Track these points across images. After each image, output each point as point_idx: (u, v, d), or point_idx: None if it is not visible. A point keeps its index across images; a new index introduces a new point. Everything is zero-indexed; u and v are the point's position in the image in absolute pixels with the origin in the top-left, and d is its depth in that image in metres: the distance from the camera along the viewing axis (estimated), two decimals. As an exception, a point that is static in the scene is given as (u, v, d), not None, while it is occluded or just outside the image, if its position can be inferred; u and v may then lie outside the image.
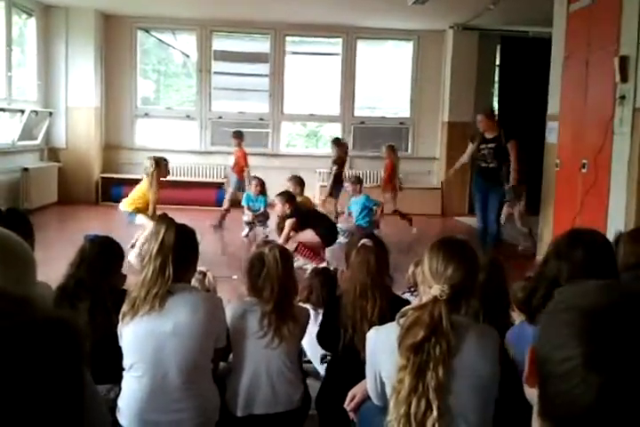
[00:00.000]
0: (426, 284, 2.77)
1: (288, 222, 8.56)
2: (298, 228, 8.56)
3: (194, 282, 4.57)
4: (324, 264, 7.83)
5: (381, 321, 3.47)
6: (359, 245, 3.73)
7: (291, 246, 8.14)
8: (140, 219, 8.36)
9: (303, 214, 8.73)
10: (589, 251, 2.86)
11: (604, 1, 7.76)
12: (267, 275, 3.79)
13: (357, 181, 10.82)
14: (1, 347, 0.95)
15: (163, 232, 3.57)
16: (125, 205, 8.49)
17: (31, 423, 0.95)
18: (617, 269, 2.90)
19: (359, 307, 3.64)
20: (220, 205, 13.52)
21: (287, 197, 8.80)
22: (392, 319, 2.95)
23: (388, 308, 3.57)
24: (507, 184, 9.33)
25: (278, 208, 8.78)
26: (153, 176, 8.48)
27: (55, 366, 0.99)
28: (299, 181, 9.89)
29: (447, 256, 2.74)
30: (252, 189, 10.92)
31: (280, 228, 8.73)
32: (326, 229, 8.58)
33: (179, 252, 3.55)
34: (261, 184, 10.90)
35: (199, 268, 4.78)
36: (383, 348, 2.81)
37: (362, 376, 3.25)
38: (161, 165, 8.59)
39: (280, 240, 8.25)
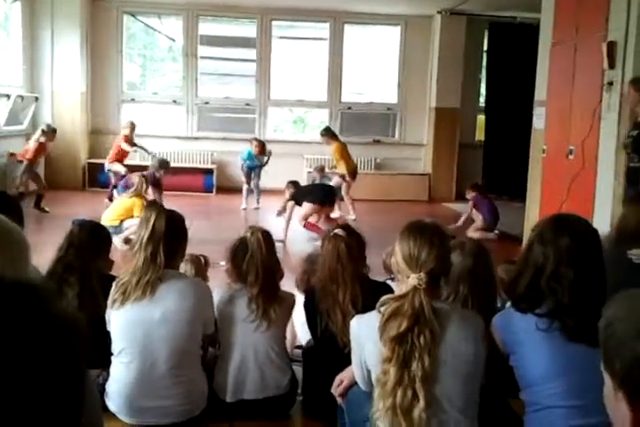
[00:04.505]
0: (403, 273, 2.71)
1: (289, 205, 9.56)
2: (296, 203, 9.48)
3: (185, 267, 4.55)
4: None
5: (354, 307, 3.52)
6: (331, 234, 3.75)
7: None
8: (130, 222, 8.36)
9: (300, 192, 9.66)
10: (576, 238, 2.82)
11: (592, -13, 7.75)
12: (250, 259, 3.79)
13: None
14: (6, 340, 0.94)
15: (153, 219, 3.55)
16: (108, 220, 8.25)
17: (33, 414, 0.95)
18: (602, 257, 2.87)
19: (330, 293, 3.65)
20: (208, 191, 13.56)
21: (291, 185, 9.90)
22: (368, 305, 2.95)
23: (362, 294, 3.59)
24: None
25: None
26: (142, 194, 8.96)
27: (59, 362, 0.98)
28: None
29: (418, 242, 2.67)
30: (252, 147, 12.01)
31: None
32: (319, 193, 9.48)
33: (169, 239, 3.55)
34: (262, 145, 12.04)
35: (198, 253, 4.79)
36: (367, 336, 2.78)
37: (340, 361, 3.27)
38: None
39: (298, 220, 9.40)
